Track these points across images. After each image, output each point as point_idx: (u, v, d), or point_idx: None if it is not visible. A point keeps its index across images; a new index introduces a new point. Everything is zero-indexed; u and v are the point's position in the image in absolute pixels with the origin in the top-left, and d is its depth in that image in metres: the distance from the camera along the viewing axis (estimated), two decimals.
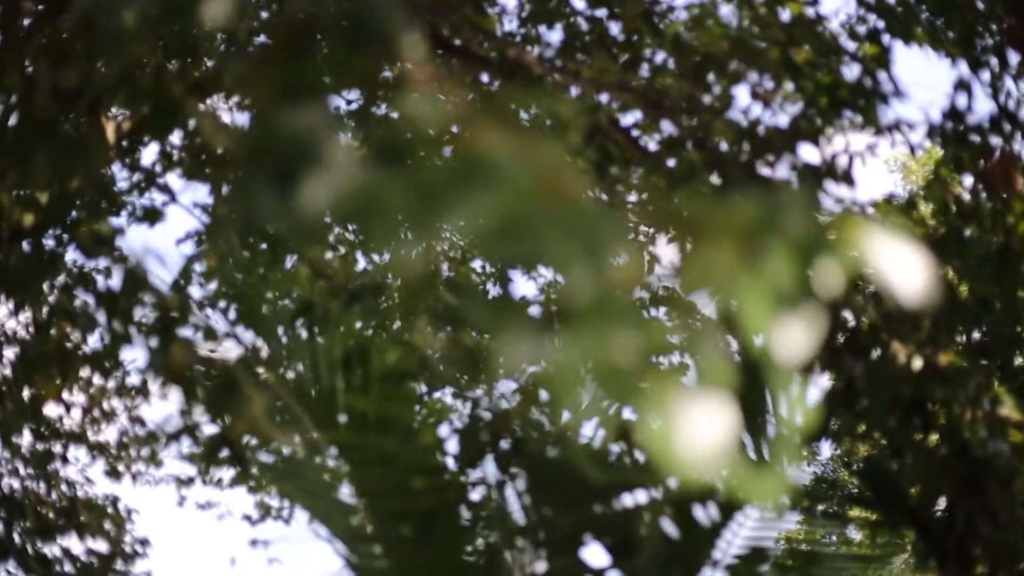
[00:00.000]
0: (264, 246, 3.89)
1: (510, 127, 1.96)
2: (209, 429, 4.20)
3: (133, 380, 4.20)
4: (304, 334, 6.30)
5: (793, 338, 1.39)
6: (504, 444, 6.24)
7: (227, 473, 4.35)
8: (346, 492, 6.22)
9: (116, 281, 3.95)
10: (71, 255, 3.86)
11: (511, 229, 1.58)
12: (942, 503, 4.55)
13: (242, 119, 1.80)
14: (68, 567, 4.78)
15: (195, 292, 4.56)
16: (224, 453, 4.21)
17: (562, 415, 1.42)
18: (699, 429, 1.36)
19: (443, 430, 6.38)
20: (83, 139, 3.38)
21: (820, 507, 5.26)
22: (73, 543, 5.04)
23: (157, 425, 4.27)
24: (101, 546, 5.10)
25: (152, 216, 3.78)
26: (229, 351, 5.20)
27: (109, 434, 5.73)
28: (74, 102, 3.41)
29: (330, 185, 1.68)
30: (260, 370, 5.62)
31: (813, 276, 1.48)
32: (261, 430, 5.25)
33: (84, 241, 3.69)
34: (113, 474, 5.74)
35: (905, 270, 1.52)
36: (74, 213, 3.76)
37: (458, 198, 1.60)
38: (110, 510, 5.18)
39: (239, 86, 1.83)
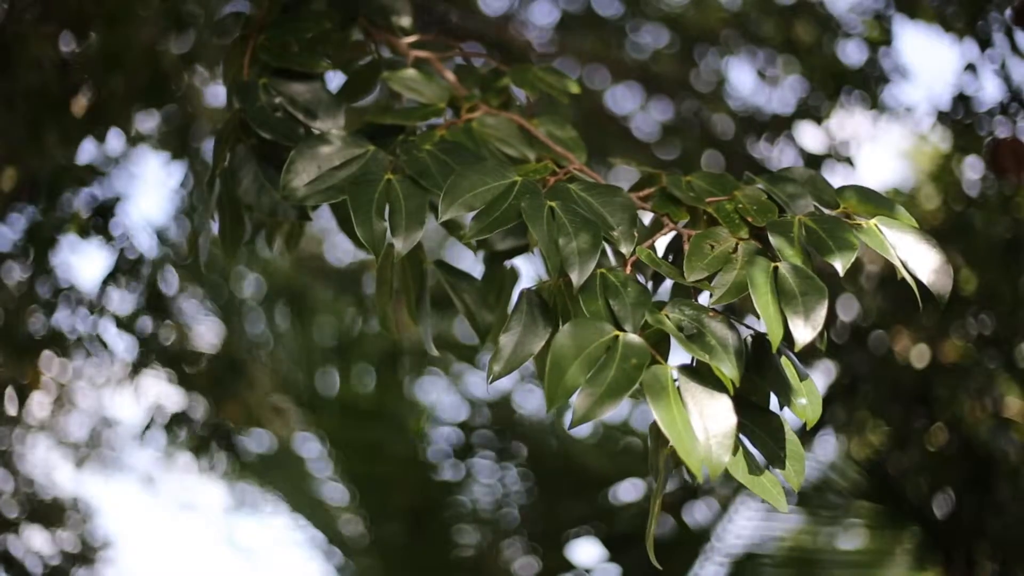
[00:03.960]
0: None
1: (503, 105, 1.82)
2: (199, 415, 4.12)
3: (118, 364, 4.05)
4: (290, 319, 6.19)
5: (800, 323, 1.27)
6: (500, 435, 6.13)
7: (215, 462, 4.22)
8: (334, 487, 6.11)
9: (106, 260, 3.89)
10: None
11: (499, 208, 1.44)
12: (948, 499, 4.46)
13: (225, 93, 1.68)
14: (31, 564, 4.65)
15: (182, 273, 4.43)
16: (216, 440, 4.11)
17: (556, 403, 1.27)
18: (702, 418, 1.23)
19: (434, 422, 6.28)
20: (94, 111, 3.31)
21: (823, 502, 5.16)
22: (36, 540, 4.91)
23: (147, 411, 4.14)
24: (66, 544, 4.96)
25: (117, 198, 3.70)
26: (219, 333, 5.07)
27: (78, 425, 5.60)
28: (73, 75, 3.33)
29: (317, 164, 1.54)
30: (249, 354, 5.49)
31: (819, 261, 1.35)
32: (255, 415, 5.14)
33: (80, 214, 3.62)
34: (80, 467, 5.62)
35: (913, 257, 1.40)
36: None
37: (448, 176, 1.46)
38: (73, 506, 5.04)
39: (222, 60, 1.69)
